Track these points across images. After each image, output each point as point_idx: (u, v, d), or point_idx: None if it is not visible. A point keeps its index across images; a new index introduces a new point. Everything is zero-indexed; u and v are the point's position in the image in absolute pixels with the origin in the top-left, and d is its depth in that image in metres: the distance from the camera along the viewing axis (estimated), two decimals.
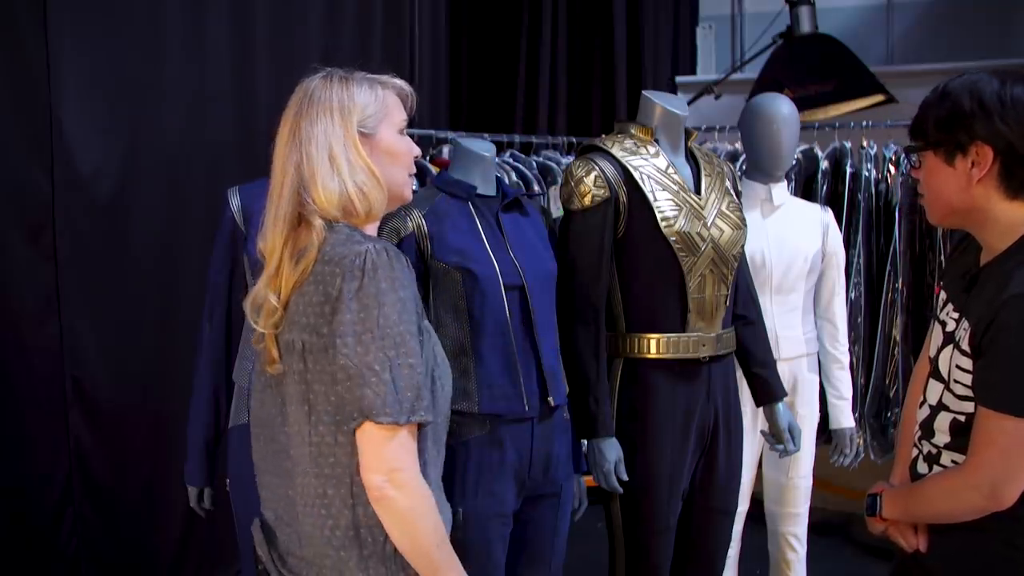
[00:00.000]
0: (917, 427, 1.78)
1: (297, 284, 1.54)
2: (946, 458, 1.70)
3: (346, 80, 1.63)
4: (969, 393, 1.63)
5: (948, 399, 1.68)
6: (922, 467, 1.76)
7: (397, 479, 1.48)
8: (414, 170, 1.72)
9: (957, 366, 1.65)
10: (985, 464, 1.58)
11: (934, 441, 1.72)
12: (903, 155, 1.78)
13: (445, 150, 3.97)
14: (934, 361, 1.74)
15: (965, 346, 1.63)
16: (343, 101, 1.60)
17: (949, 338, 1.70)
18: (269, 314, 1.56)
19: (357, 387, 1.48)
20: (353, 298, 1.48)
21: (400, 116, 1.69)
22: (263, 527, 1.66)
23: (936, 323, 1.78)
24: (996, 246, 1.66)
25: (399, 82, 1.71)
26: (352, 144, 1.59)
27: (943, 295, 1.79)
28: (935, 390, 1.72)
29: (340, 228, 1.56)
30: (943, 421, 1.69)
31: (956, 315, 1.70)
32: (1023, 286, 1.55)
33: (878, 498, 1.79)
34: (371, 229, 1.65)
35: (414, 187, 1.80)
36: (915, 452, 1.79)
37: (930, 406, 1.73)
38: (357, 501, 1.53)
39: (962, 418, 1.65)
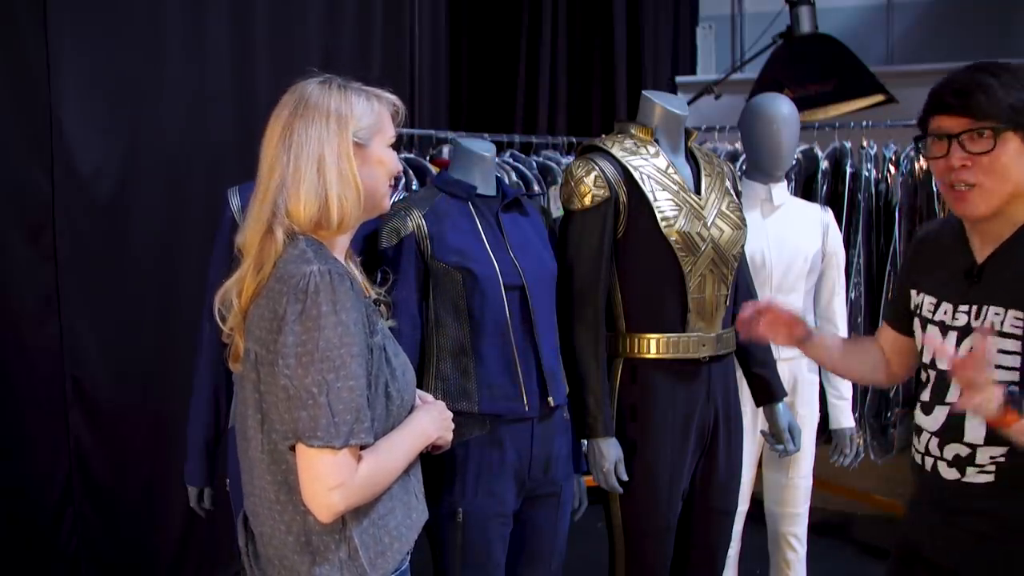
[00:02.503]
0: (929, 435, 1.74)
1: (254, 295, 1.56)
2: (983, 456, 1.66)
3: (344, 89, 1.63)
4: (1013, 376, 1.59)
5: None
6: (949, 473, 1.70)
7: (336, 496, 1.50)
8: (393, 183, 1.73)
9: (1000, 350, 1.60)
10: None
11: (966, 441, 1.68)
12: (945, 139, 1.69)
13: (445, 150, 3.97)
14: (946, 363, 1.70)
15: (1009, 328, 1.60)
16: (341, 110, 1.60)
17: (966, 331, 1.67)
18: (233, 316, 1.58)
19: (295, 408, 1.49)
20: (296, 320, 1.48)
21: (391, 132, 1.69)
22: (244, 521, 1.69)
23: (930, 326, 1.75)
24: (1005, 230, 1.66)
25: (393, 97, 1.71)
26: (345, 155, 1.59)
27: (929, 298, 1.76)
28: (958, 387, 1.65)
29: (298, 243, 1.56)
30: (976, 417, 1.62)
31: (966, 307, 1.68)
32: None
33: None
34: (342, 241, 1.65)
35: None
36: (930, 461, 1.74)
37: (951, 405, 1.68)
38: (308, 509, 1.54)
39: None
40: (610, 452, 2.28)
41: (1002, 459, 1.63)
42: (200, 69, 3.40)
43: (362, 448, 1.53)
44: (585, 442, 2.32)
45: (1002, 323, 1.62)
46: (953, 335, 1.70)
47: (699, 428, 2.37)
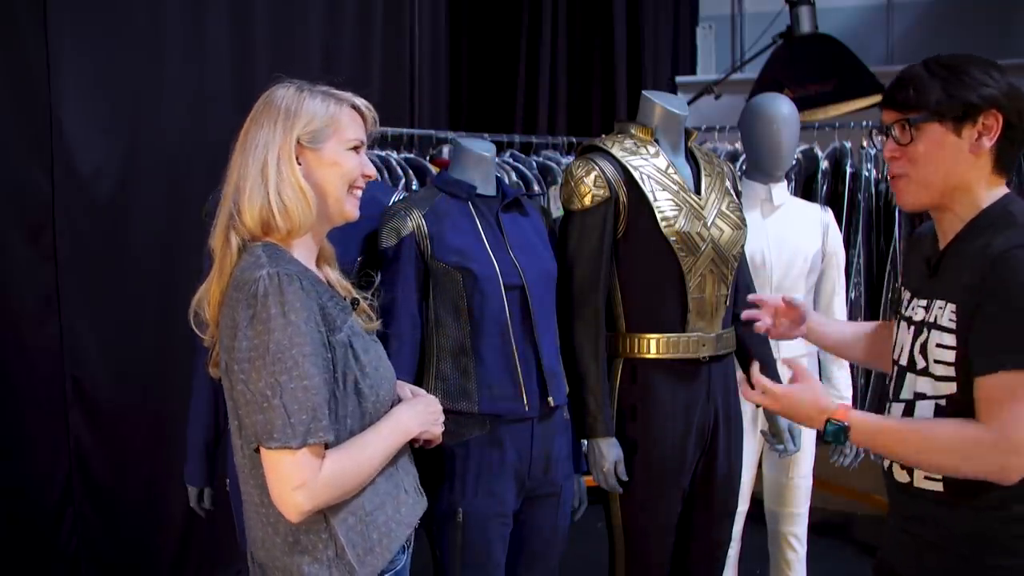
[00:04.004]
0: None
1: (219, 303, 1.58)
2: None
3: (301, 91, 1.63)
4: (950, 372, 1.61)
5: (926, 386, 1.65)
6: (901, 476, 1.70)
7: (299, 496, 1.50)
8: (362, 188, 1.70)
9: (937, 344, 1.62)
10: (1014, 423, 1.50)
11: None
12: (884, 132, 1.74)
13: (445, 150, 3.97)
14: (905, 357, 1.71)
15: (946, 322, 1.61)
16: (289, 111, 1.60)
17: (920, 326, 1.67)
18: (210, 325, 1.61)
19: (253, 412, 1.50)
20: (248, 325, 1.49)
21: (354, 134, 1.66)
22: None
23: (902, 322, 1.75)
24: (958, 225, 1.67)
25: (359, 101, 1.70)
26: (286, 156, 1.58)
27: (906, 293, 1.78)
28: (909, 384, 1.69)
29: (253, 250, 1.57)
30: (924, 411, 1.65)
31: (924, 302, 1.69)
32: (1001, 244, 1.55)
33: (843, 427, 1.63)
34: (301, 245, 1.64)
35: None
36: (887, 461, 1.73)
37: (906, 401, 1.69)
38: None
39: (943, 402, 1.63)
40: (610, 452, 2.28)
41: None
42: (200, 69, 3.40)
43: (327, 446, 1.53)
44: (585, 442, 2.32)
45: (943, 316, 1.63)
46: (912, 330, 1.70)
47: (699, 428, 2.37)
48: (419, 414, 1.71)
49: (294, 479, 1.49)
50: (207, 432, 2.37)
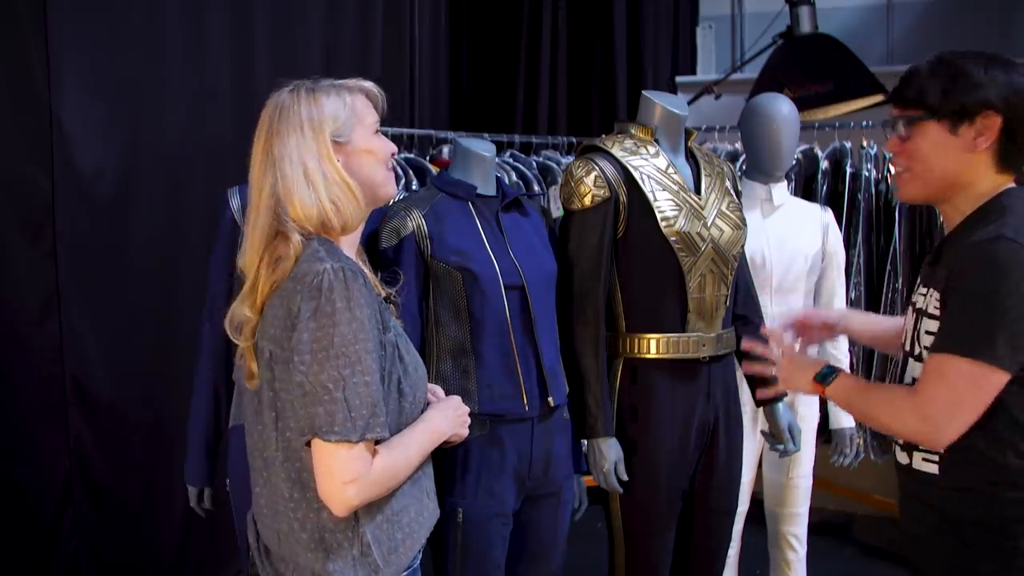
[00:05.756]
0: None
1: (271, 293, 1.56)
2: None
3: (313, 92, 1.64)
4: None
5: (918, 369, 1.69)
6: (902, 456, 1.75)
7: (351, 490, 1.51)
8: (392, 165, 1.73)
9: (926, 332, 1.67)
10: (932, 399, 1.59)
11: None
12: (885, 127, 1.78)
13: (445, 150, 3.97)
14: (908, 343, 1.75)
15: (933, 310, 1.65)
16: (312, 115, 1.61)
17: (920, 314, 1.72)
18: (247, 325, 1.59)
19: (311, 404, 1.50)
20: (311, 317, 1.50)
21: (372, 117, 1.69)
22: (254, 518, 1.69)
23: (909, 309, 1.79)
24: (959, 218, 1.70)
25: (366, 84, 1.71)
26: (326, 157, 1.60)
27: (919, 282, 1.81)
28: (910, 370, 1.74)
29: (312, 243, 1.58)
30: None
31: (924, 290, 1.72)
32: (981, 235, 1.59)
33: (834, 373, 1.79)
34: (349, 241, 1.67)
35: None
36: (896, 445, 1.79)
37: (907, 386, 1.73)
38: (321, 506, 1.55)
39: None
40: (610, 452, 2.28)
41: (941, 450, 1.66)
42: (200, 69, 3.40)
43: (377, 443, 1.55)
44: (585, 442, 2.32)
45: (930, 304, 1.68)
46: (914, 316, 1.74)
47: (699, 428, 2.37)
48: (448, 417, 1.73)
49: (348, 473, 1.50)
50: (207, 432, 2.37)
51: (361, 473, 1.51)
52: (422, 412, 1.70)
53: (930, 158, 1.68)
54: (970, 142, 1.65)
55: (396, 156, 1.81)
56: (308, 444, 1.53)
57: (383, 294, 1.70)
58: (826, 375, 1.79)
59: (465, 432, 1.78)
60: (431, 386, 1.82)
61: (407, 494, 1.64)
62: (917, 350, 1.70)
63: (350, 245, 1.67)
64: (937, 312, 1.64)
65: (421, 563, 1.74)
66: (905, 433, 1.68)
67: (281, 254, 1.57)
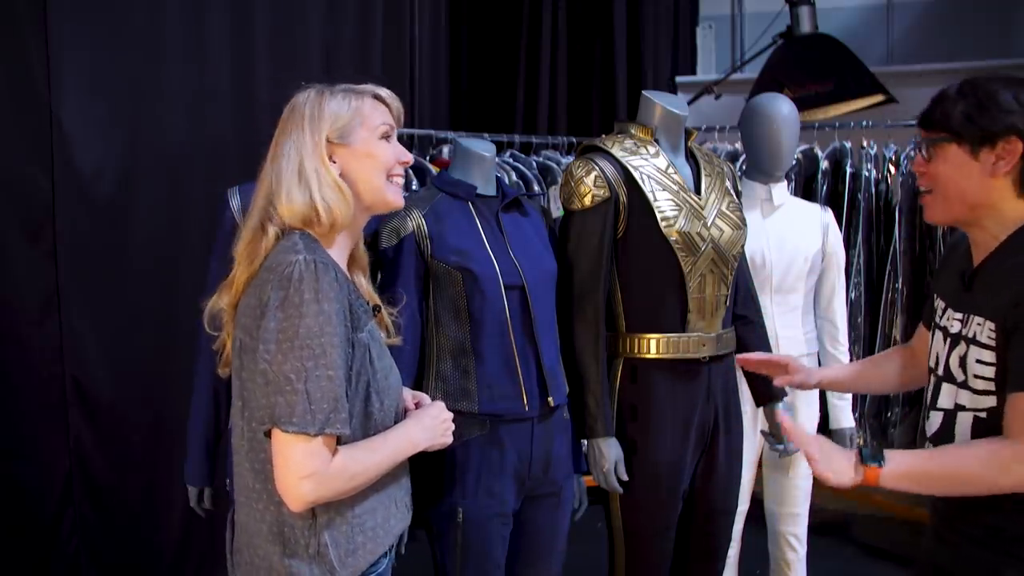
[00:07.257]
0: (927, 441, 1.77)
1: (246, 285, 1.58)
2: None
3: (322, 93, 1.66)
4: (990, 387, 1.63)
5: (965, 398, 1.68)
6: None
7: (307, 485, 1.50)
8: (401, 175, 1.72)
9: (977, 360, 1.65)
10: None
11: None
12: (912, 148, 1.77)
13: (445, 150, 3.97)
14: (942, 367, 1.73)
15: (985, 340, 1.63)
16: (312, 114, 1.63)
17: (956, 339, 1.70)
18: (221, 316, 1.61)
19: (273, 393, 1.50)
20: (279, 306, 1.50)
21: (380, 120, 1.69)
22: (232, 514, 1.71)
23: (937, 331, 1.78)
24: (992, 243, 1.69)
25: (381, 90, 1.72)
26: (319, 157, 1.61)
27: (940, 302, 1.80)
28: (948, 394, 1.72)
29: (291, 236, 1.59)
30: (964, 422, 1.68)
31: (959, 315, 1.71)
32: None
33: (877, 452, 1.61)
34: (340, 240, 1.66)
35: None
36: None
37: (945, 411, 1.72)
38: (282, 499, 1.54)
39: (983, 414, 1.65)
40: (610, 452, 2.28)
41: None
42: (200, 69, 3.40)
43: (340, 441, 1.54)
44: (585, 442, 2.32)
45: (981, 333, 1.65)
46: (948, 341, 1.73)
47: (699, 428, 2.37)
48: (427, 428, 1.71)
49: (305, 467, 1.49)
50: (207, 432, 2.37)
51: (318, 469, 1.50)
52: (396, 422, 1.68)
53: (951, 180, 1.69)
54: (990, 167, 1.65)
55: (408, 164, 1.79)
56: (268, 434, 1.52)
57: (373, 302, 1.70)
58: (869, 456, 1.61)
59: (448, 440, 1.75)
60: (418, 393, 1.82)
61: (373, 499, 1.63)
62: (961, 377, 1.68)
63: (340, 246, 1.67)
64: (992, 342, 1.62)
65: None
66: (1012, 485, 1.57)
67: (258, 248, 1.59)
